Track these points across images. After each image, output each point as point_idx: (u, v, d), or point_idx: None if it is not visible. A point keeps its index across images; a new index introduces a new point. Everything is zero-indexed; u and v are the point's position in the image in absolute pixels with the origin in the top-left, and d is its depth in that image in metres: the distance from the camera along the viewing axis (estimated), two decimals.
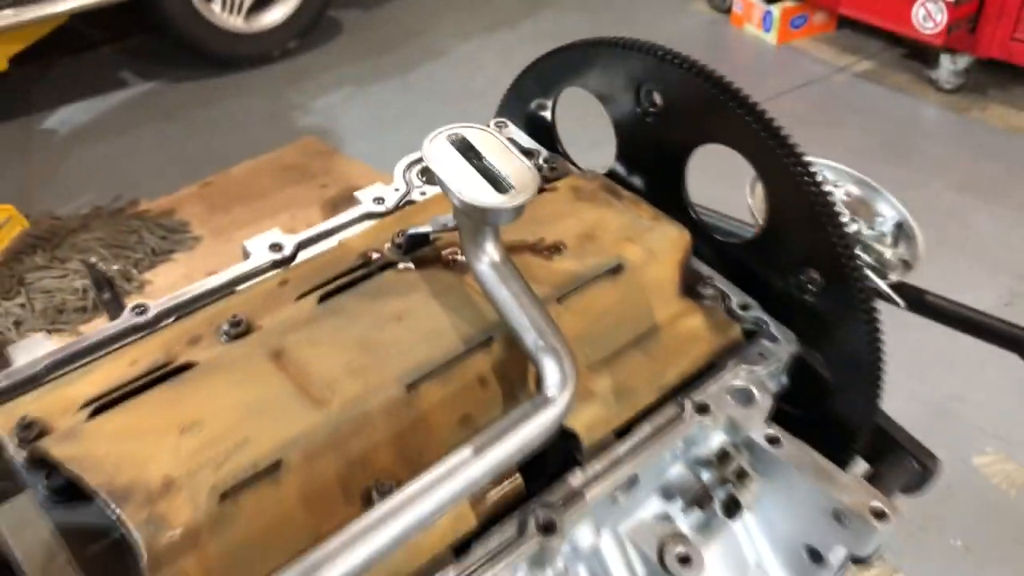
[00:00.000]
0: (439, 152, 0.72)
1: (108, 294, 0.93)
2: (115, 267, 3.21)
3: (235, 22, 4.41)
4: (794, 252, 0.86)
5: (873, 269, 1.12)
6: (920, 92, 4.16)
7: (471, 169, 0.70)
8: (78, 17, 4.18)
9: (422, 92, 4.28)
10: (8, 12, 3.83)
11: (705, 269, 0.91)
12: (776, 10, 4.51)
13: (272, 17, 4.52)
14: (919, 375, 2.68)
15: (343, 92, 4.35)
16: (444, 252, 0.84)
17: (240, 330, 0.78)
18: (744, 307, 0.88)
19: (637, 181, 0.98)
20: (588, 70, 0.96)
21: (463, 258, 0.82)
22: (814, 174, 0.81)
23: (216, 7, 4.32)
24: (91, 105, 4.36)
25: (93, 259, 3.21)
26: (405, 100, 4.24)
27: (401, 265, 0.84)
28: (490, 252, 0.73)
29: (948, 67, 4.03)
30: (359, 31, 4.94)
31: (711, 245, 0.93)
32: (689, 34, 4.77)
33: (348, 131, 4.03)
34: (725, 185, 1.25)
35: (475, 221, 0.72)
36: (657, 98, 0.91)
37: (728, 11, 4.82)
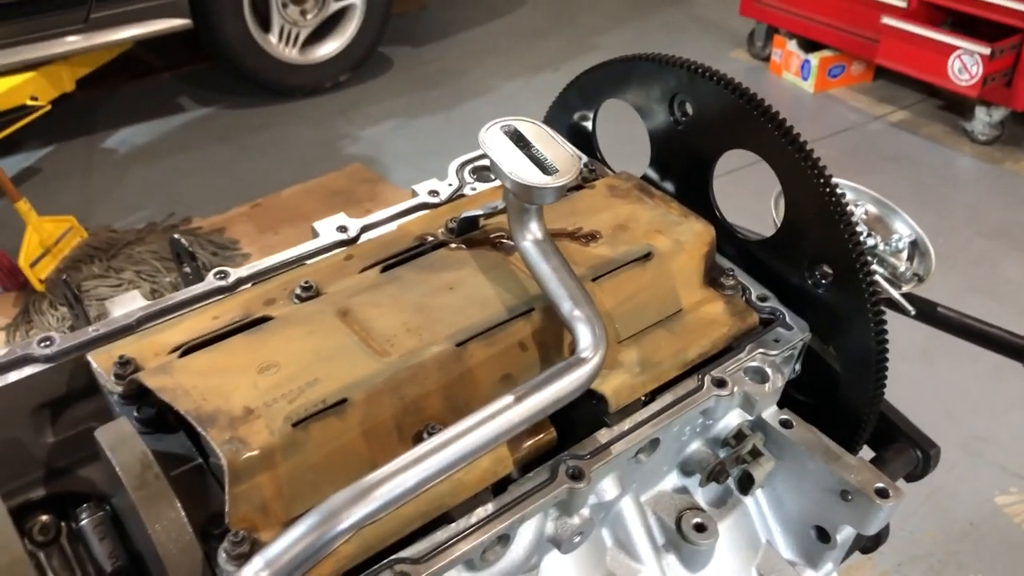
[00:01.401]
0: (494, 140, 0.82)
1: (188, 267, 1.04)
2: (167, 279, 3.35)
3: (290, 54, 4.60)
4: (808, 249, 0.94)
5: (888, 280, 1.21)
6: (955, 143, 4.23)
7: (521, 155, 0.80)
8: (141, 45, 4.41)
9: (464, 126, 4.42)
10: (78, 38, 4.04)
11: (727, 263, 1.00)
12: (814, 59, 4.61)
13: (326, 50, 4.72)
14: (945, 414, 2.72)
15: (390, 123, 4.51)
16: (492, 235, 0.94)
17: (311, 294, 0.88)
18: (762, 298, 0.97)
19: (668, 185, 1.08)
20: (627, 83, 1.06)
21: (509, 242, 0.92)
22: (828, 176, 0.90)
23: (273, 39, 4.52)
24: (150, 127, 4.56)
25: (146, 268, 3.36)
26: (448, 133, 4.39)
27: (453, 245, 0.94)
28: (534, 230, 0.83)
29: (983, 119, 4.10)
30: (408, 67, 5.12)
31: (733, 243, 1.02)
32: None
33: (393, 160, 4.18)
34: (753, 200, 1.35)
35: (522, 200, 0.82)
36: (688, 108, 1.01)
37: (767, 59, 4.94)
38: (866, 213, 1.29)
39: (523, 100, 4.67)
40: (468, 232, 0.96)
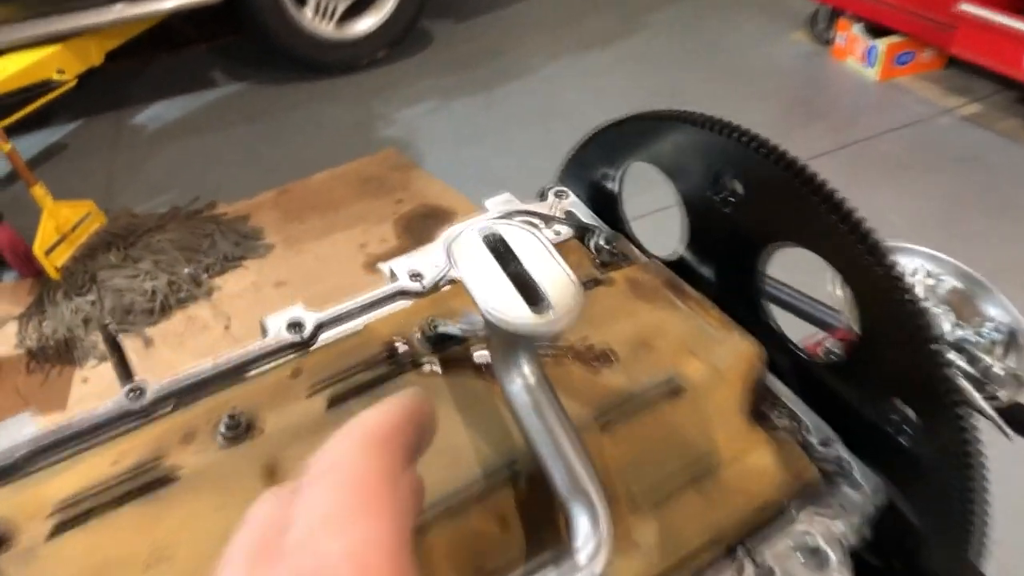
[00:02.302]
0: (468, 251, 0.62)
1: (115, 357, 0.85)
2: (186, 270, 3.20)
3: (326, 29, 4.41)
4: (883, 378, 0.73)
5: (976, 383, 0.98)
6: None
7: (504, 277, 0.60)
8: (174, 15, 4.24)
9: (505, 110, 4.20)
10: (109, 9, 3.89)
11: (779, 387, 0.78)
12: (881, 45, 4.28)
13: (363, 26, 4.51)
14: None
15: (427, 105, 4.30)
16: (476, 353, 0.74)
17: (238, 431, 0.69)
18: (824, 442, 0.75)
19: (707, 271, 0.86)
20: (660, 145, 0.84)
21: None
22: (914, 298, 0.67)
23: (308, 13, 4.32)
24: (180, 103, 4.41)
25: (163, 258, 3.22)
26: (488, 117, 4.17)
27: (427, 366, 0.74)
28: (522, 373, 0.63)
29: None
30: (448, 44, 4.89)
31: (789, 355, 0.80)
32: (785, 65, 4.58)
33: (428, 145, 3.98)
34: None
35: (505, 339, 0.61)
36: (737, 186, 0.79)
37: (829, 43, 4.61)
38: (950, 291, 1.06)
39: (565, 83, 4.41)
40: (447, 346, 0.75)
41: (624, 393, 0.71)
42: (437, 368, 0.74)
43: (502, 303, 0.58)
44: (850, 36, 4.46)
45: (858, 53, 4.44)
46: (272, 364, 0.78)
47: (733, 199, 0.79)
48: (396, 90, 4.44)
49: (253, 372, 0.77)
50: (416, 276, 0.86)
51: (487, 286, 0.59)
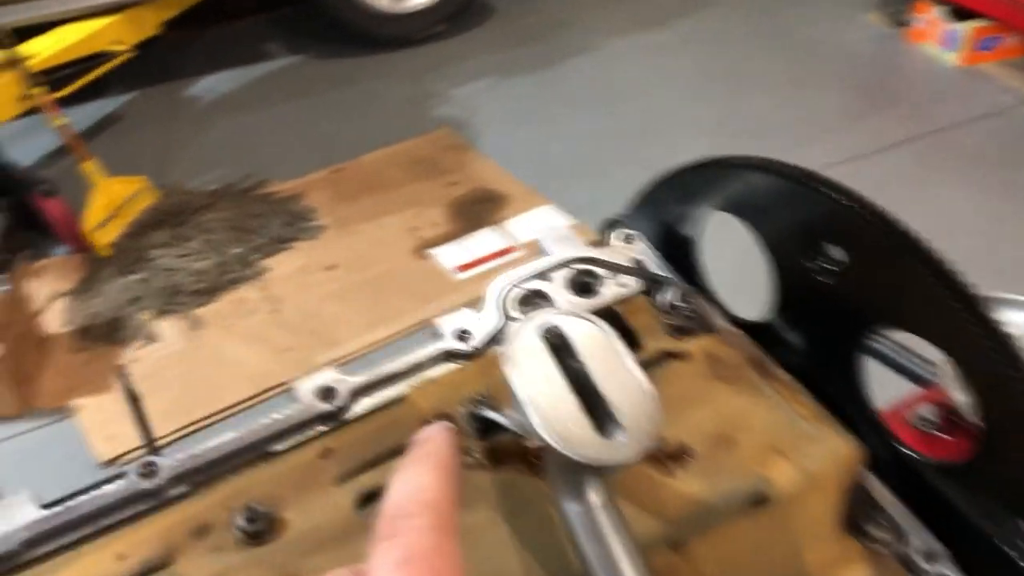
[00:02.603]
0: (524, 351, 0.52)
1: (135, 412, 0.78)
2: (236, 250, 3.16)
3: (382, 1, 4.30)
4: (1009, 491, 0.62)
5: None
6: None
7: (566, 389, 0.50)
8: None
9: (565, 88, 4.07)
10: None
11: (879, 490, 0.67)
12: (964, 29, 4.04)
13: None
14: None
15: (484, 82, 4.19)
16: (532, 447, 0.64)
17: (256, 527, 0.61)
18: (929, 556, 0.64)
19: (797, 342, 0.75)
20: (746, 197, 0.73)
21: None
22: None
23: None
24: (235, 75, 4.36)
25: (214, 238, 3.17)
26: (546, 95, 4.04)
27: (471, 455, 0.65)
28: (583, 497, 0.53)
29: None
30: (509, 17, 4.76)
31: (890, 450, 0.69)
32: (856, 48, 4.36)
33: (484, 124, 3.87)
34: None
35: (565, 463, 0.52)
36: (838, 254, 0.68)
37: (905, 25, 4.37)
38: None
39: (629, 61, 4.26)
40: (494, 431, 0.66)
41: (701, 503, 0.61)
42: (483, 460, 0.65)
43: (563, 426, 0.49)
44: (929, 18, 4.22)
45: (937, 37, 4.20)
46: (301, 437, 0.70)
47: (835, 267, 0.68)
48: (453, 66, 4.33)
49: (279, 447, 0.69)
50: (464, 335, 0.76)
51: (545, 400, 0.50)
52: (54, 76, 3.33)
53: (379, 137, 3.79)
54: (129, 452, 2.43)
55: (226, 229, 3.24)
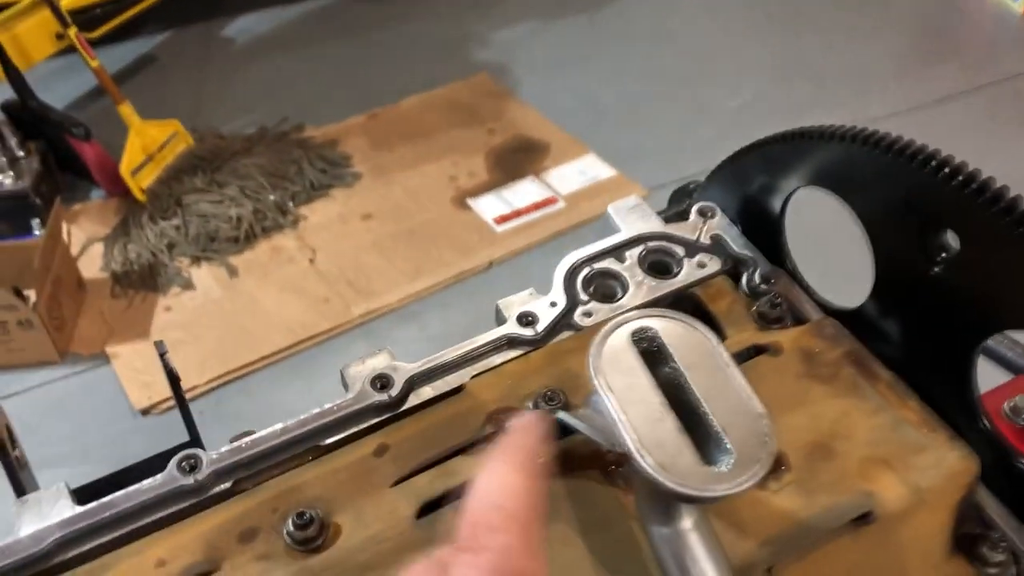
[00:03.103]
0: (614, 361, 0.46)
1: (173, 389, 0.72)
2: (272, 197, 3.11)
3: None
4: None
5: None
6: None
7: (662, 405, 0.44)
8: None
9: (610, 31, 3.93)
10: None
11: (993, 506, 0.60)
12: None
13: None
14: None
15: (526, 25, 4.06)
16: (606, 452, 0.58)
17: (308, 533, 0.55)
18: None
19: (895, 333, 0.67)
20: (844, 171, 0.66)
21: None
22: None
23: None
24: (272, 15, 4.26)
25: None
26: (590, 39, 3.91)
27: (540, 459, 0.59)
28: (676, 523, 0.47)
29: None
30: None
31: (1004, 461, 0.62)
32: None
33: (525, 70, 3.75)
34: None
35: (661, 492, 0.45)
36: (951, 240, 0.60)
37: None
38: None
39: (680, 6, 4.09)
40: (566, 431, 0.60)
41: (798, 521, 0.55)
42: (552, 462, 0.59)
43: (662, 452, 0.42)
44: None
45: None
46: (353, 430, 0.64)
47: (945, 255, 0.61)
48: (495, 7, 4.19)
49: (330, 441, 0.64)
50: (528, 319, 0.70)
51: (642, 422, 0.43)
52: (87, 15, 3.27)
53: (416, 80, 3.69)
54: (166, 400, 2.42)
55: (262, 175, 3.18)
